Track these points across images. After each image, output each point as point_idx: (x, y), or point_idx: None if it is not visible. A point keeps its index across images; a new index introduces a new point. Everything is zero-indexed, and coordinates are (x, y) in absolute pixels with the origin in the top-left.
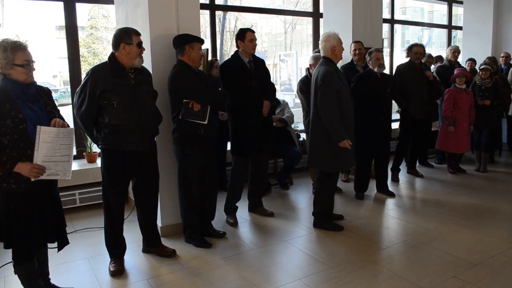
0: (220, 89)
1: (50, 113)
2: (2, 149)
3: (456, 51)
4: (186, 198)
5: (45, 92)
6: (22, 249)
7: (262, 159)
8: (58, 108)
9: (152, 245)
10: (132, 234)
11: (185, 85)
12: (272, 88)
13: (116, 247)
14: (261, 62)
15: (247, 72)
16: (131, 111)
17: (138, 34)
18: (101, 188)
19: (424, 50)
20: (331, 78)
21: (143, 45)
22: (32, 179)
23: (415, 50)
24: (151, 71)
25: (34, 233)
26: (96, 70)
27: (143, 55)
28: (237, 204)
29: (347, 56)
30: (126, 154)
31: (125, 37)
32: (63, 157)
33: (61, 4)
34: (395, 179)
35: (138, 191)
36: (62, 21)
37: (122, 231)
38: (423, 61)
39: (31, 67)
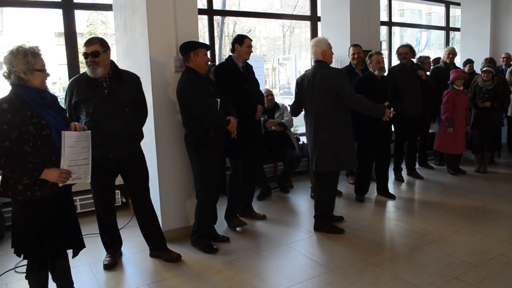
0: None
1: (65, 118)
2: (25, 157)
3: (451, 53)
4: (205, 201)
5: (55, 98)
6: (42, 257)
7: (254, 162)
8: None
9: (156, 249)
10: (139, 239)
11: (192, 100)
12: (261, 94)
13: (106, 242)
14: (251, 68)
15: (242, 76)
16: (100, 120)
17: (85, 44)
18: None
19: (411, 49)
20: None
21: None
22: (60, 185)
23: (400, 51)
24: (149, 77)
25: (56, 240)
26: (72, 82)
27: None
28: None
29: (345, 59)
30: (101, 159)
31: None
32: (84, 160)
33: (60, 11)
34: (400, 178)
35: (130, 196)
36: (61, 28)
37: (112, 228)
38: (414, 61)
39: (46, 72)
